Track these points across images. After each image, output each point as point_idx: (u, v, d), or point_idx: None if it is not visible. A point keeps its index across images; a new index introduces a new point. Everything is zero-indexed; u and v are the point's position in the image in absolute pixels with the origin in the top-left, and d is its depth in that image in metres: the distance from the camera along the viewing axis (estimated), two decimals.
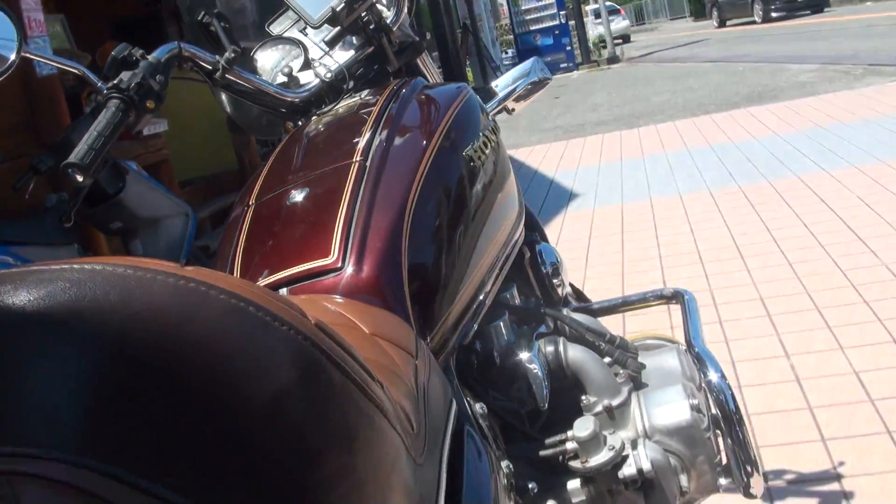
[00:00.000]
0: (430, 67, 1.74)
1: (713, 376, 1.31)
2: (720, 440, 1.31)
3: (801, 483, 2.13)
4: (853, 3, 20.07)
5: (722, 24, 24.66)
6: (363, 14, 1.53)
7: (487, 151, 1.32)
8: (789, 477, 2.17)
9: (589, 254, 4.35)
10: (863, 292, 3.21)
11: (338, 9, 1.46)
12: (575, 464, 1.17)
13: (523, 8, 19.19)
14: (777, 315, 3.17)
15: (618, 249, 4.35)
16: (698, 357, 1.34)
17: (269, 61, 1.64)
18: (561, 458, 1.18)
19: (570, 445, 1.17)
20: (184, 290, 0.47)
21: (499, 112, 1.84)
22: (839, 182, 4.82)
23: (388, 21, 1.59)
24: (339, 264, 1.01)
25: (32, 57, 1.39)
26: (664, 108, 9.60)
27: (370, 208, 1.07)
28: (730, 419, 1.28)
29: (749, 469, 1.27)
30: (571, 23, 19.33)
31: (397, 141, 1.22)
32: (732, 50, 15.76)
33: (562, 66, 18.77)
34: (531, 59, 1.90)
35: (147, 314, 0.44)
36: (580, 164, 7.07)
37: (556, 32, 18.94)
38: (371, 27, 1.56)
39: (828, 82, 9.04)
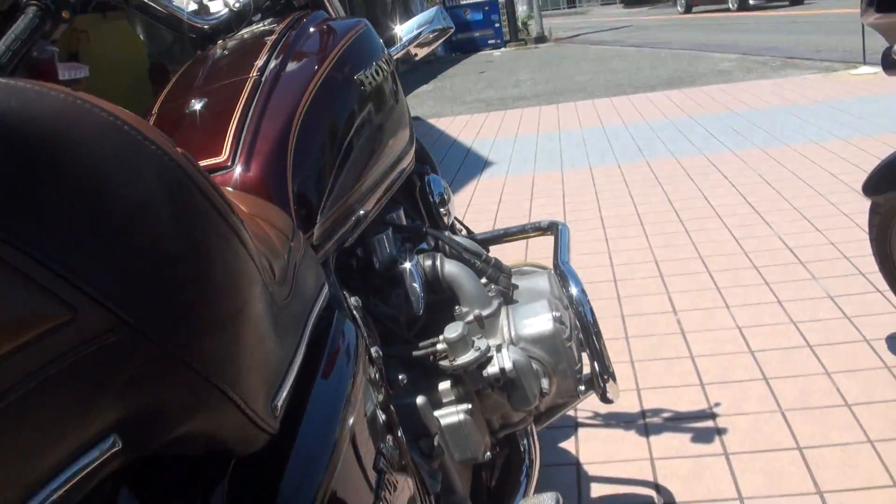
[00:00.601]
0: (334, 5, 1.82)
1: (574, 291, 1.43)
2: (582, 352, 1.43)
3: (678, 420, 2.29)
4: None
5: (688, 9, 23.22)
6: None
7: (379, 79, 1.41)
8: (667, 415, 2.32)
9: (497, 216, 4.47)
10: (753, 259, 3.38)
11: None
12: (444, 363, 1.27)
13: None
14: (669, 276, 3.33)
15: (525, 214, 4.48)
16: (562, 274, 1.46)
17: None
18: (432, 357, 1.28)
19: (440, 346, 1.27)
20: (73, 103, 0.55)
21: (402, 55, 1.93)
22: (743, 161, 5.02)
23: None
24: (230, 163, 1.09)
25: None
26: (585, 87, 9.78)
27: (261, 116, 1.15)
28: (588, 330, 1.40)
29: (605, 377, 1.40)
30: (501, 0, 19.44)
31: (292, 61, 1.30)
32: (658, 36, 16.07)
33: (490, 42, 18.92)
34: (434, 8, 1.99)
35: (41, 118, 0.52)
36: (497, 135, 7.19)
37: (486, 9, 19.03)
38: None
39: (745, 71, 9.32)
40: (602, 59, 12.98)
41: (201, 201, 0.62)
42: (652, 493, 2.01)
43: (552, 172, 5.44)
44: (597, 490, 2.05)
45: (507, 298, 1.42)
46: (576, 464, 2.16)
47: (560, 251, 1.55)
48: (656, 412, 2.35)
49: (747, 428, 2.20)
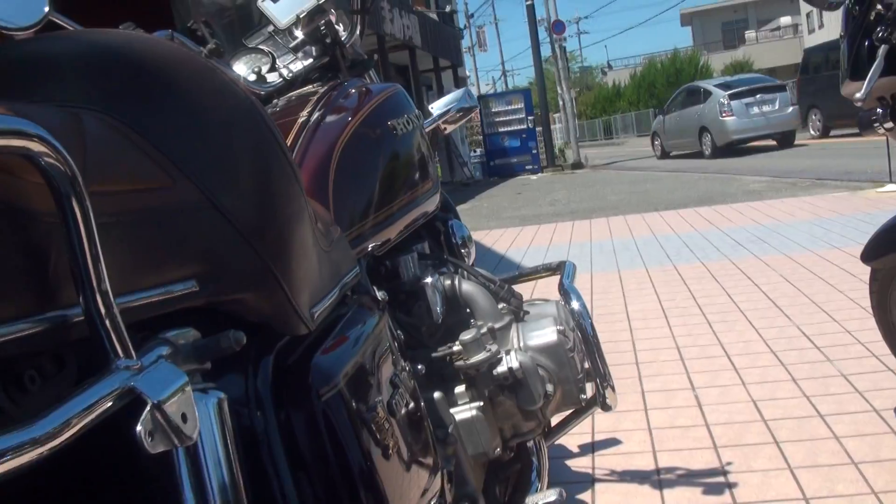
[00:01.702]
0: (372, 78, 2.07)
1: (575, 305, 1.61)
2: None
3: (691, 476, 2.40)
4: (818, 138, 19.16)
5: (665, 155, 20.92)
6: (321, 27, 1.86)
7: (409, 128, 1.64)
8: (680, 472, 2.44)
9: None
10: (771, 345, 3.52)
11: (301, 16, 1.79)
12: (459, 363, 1.45)
13: (493, 110, 19.93)
14: (689, 359, 3.47)
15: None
16: (564, 291, 1.65)
17: (243, 65, 1.96)
18: (448, 358, 1.46)
19: (455, 348, 1.45)
20: (185, 50, 0.78)
21: (433, 129, 2.17)
22: (766, 265, 5.18)
23: (342, 38, 1.93)
24: None
25: None
26: (618, 206, 10.05)
27: (308, 142, 1.38)
28: (588, 341, 1.58)
29: (604, 384, 1.56)
30: (539, 128, 20.07)
31: (333, 110, 1.53)
32: (692, 165, 16.43)
33: (527, 167, 19.45)
34: (462, 89, 2.24)
35: (169, 54, 0.75)
36: (530, 245, 7.43)
37: (524, 136, 19.65)
38: (328, 40, 1.90)
39: (775, 191, 9.55)
40: (636, 182, 13.32)
41: (270, 136, 0.84)
42: None
43: (582, 274, 5.63)
44: None
45: (518, 317, 1.60)
46: None
47: (565, 276, 1.73)
48: (671, 470, 2.46)
49: (757, 483, 2.31)
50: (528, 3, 21.22)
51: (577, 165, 19.75)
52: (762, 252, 5.61)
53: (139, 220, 0.67)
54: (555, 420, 1.73)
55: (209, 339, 0.68)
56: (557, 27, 21.65)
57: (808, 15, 43.59)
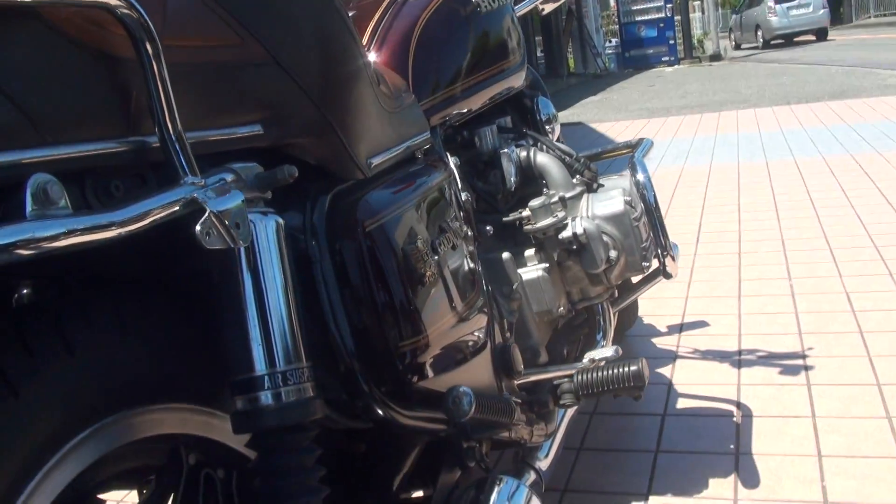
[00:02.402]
0: None
1: (640, 177, 1.70)
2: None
3: (770, 358, 2.49)
4: None
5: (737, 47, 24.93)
6: None
7: (495, 5, 1.72)
8: (761, 353, 2.53)
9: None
10: (875, 240, 3.49)
11: None
12: (528, 227, 1.57)
13: None
14: (791, 251, 3.50)
15: (664, 199, 4.70)
16: (632, 164, 1.74)
17: None
18: (518, 222, 1.59)
19: (525, 213, 1.58)
20: None
21: (530, 10, 2.24)
22: (887, 161, 5.06)
23: None
24: (367, 46, 1.44)
25: None
26: (749, 98, 9.80)
27: (393, 19, 1.50)
28: (650, 211, 1.67)
29: (664, 254, 1.66)
30: (677, 18, 19.41)
31: None
32: (834, 55, 15.70)
33: (663, 59, 18.93)
34: None
35: None
36: (656, 137, 7.39)
37: (661, 25, 19.06)
38: None
39: None
40: (772, 75, 12.86)
41: (330, 3, 0.97)
42: (732, 408, 2.23)
43: (700, 167, 5.62)
44: (683, 403, 2.29)
45: (590, 189, 1.70)
46: (668, 384, 2.40)
47: (639, 151, 1.82)
48: (752, 351, 2.55)
49: (834, 367, 2.37)
50: None
51: (716, 57, 19.09)
52: (886, 148, 5.44)
53: (211, 71, 0.82)
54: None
55: (268, 171, 0.83)
56: None
57: None
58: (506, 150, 1.64)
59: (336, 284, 0.96)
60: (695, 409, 2.25)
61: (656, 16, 19.06)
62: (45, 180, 0.63)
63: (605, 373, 1.42)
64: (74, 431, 0.73)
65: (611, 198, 1.63)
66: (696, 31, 21.34)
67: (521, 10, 2.18)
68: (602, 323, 1.76)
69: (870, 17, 29.82)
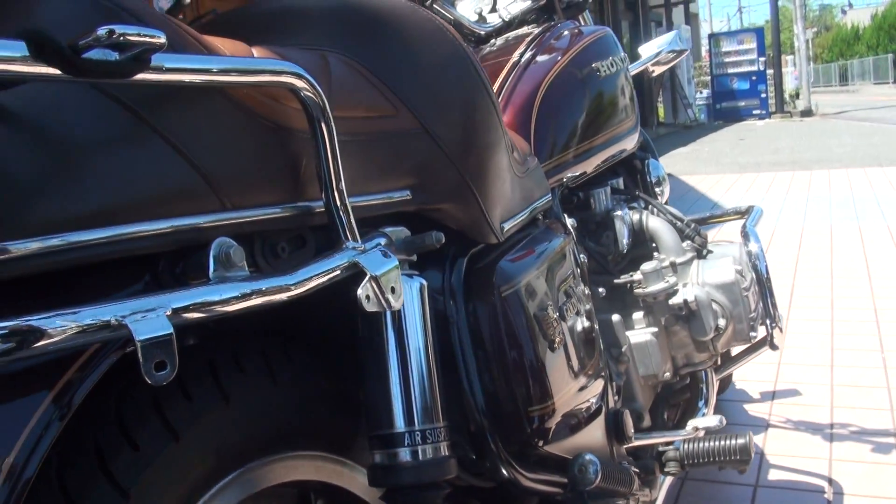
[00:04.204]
0: (587, 19, 2.18)
1: (753, 247, 1.70)
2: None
3: (863, 434, 2.44)
4: None
5: None
6: None
7: (613, 70, 1.75)
8: (853, 429, 2.48)
9: None
10: None
11: None
12: (639, 290, 1.59)
13: (724, 50, 19.25)
14: (885, 322, 3.43)
15: None
16: (745, 233, 1.74)
17: (468, 6, 2.13)
18: (629, 285, 1.60)
19: (636, 276, 1.59)
20: (409, 2, 0.96)
21: (640, 71, 2.26)
22: None
23: None
24: None
25: None
26: (843, 158, 9.64)
27: (517, 81, 1.54)
28: (762, 282, 1.67)
29: (773, 325, 1.66)
30: (770, 71, 19.21)
31: (543, 51, 1.68)
32: None
33: (754, 112, 18.73)
34: (673, 31, 2.31)
35: (396, 5, 0.94)
36: (748, 194, 7.32)
37: (754, 79, 18.89)
38: None
39: None
40: (863, 135, 12.64)
41: (473, 70, 1.01)
42: (824, 484, 2.19)
43: (793, 228, 5.55)
44: (775, 474, 2.26)
45: (700, 255, 1.71)
46: (760, 454, 2.37)
47: (750, 219, 1.82)
48: (844, 426, 2.50)
49: None
50: None
51: (807, 113, 18.82)
52: None
53: (369, 140, 0.86)
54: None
55: (417, 236, 0.87)
56: None
57: None
58: (619, 212, 1.66)
59: (471, 346, 0.99)
60: (787, 482, 2.22)
61: (749, 69, 18.89)
62: (227, 245, 0.68)
63: (711, 443, 1.42)
64: (223, 475, 0.77)
65: (722, 266, 1.64)
66: (789, 86, 21.06)
67: (633, 70, 2.20)
68: (705, 390, 1.76)
69: None
